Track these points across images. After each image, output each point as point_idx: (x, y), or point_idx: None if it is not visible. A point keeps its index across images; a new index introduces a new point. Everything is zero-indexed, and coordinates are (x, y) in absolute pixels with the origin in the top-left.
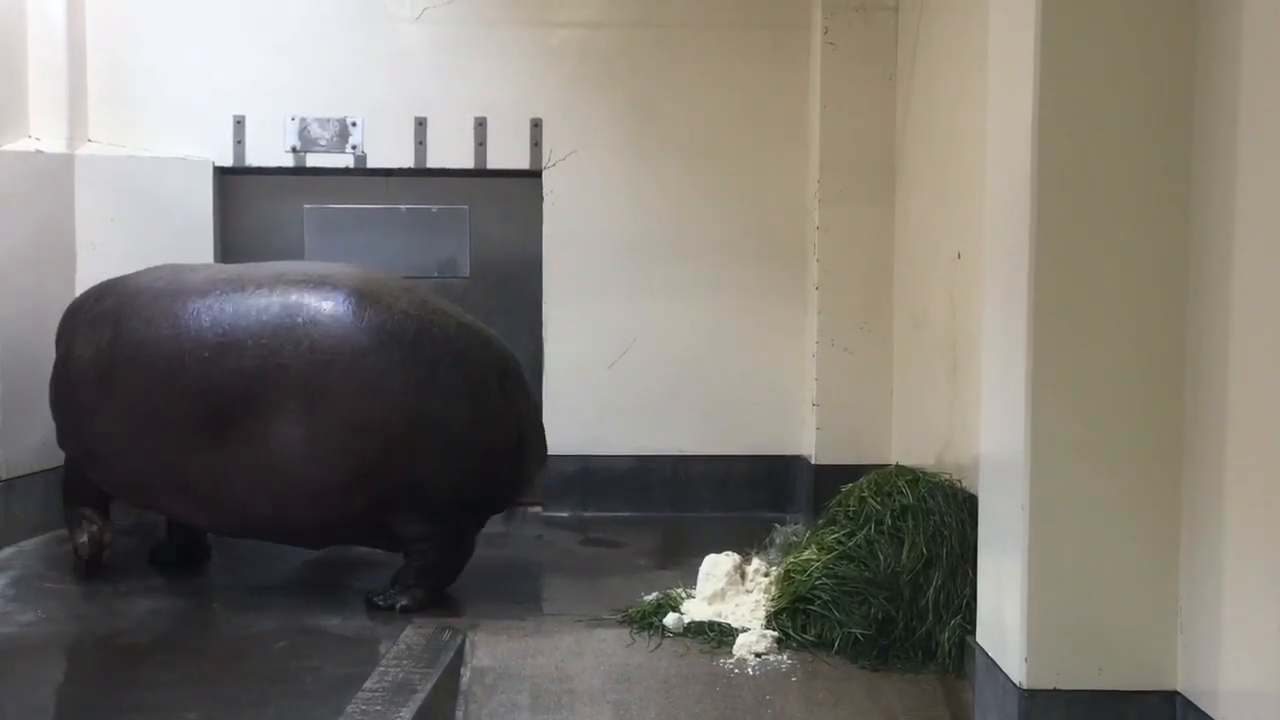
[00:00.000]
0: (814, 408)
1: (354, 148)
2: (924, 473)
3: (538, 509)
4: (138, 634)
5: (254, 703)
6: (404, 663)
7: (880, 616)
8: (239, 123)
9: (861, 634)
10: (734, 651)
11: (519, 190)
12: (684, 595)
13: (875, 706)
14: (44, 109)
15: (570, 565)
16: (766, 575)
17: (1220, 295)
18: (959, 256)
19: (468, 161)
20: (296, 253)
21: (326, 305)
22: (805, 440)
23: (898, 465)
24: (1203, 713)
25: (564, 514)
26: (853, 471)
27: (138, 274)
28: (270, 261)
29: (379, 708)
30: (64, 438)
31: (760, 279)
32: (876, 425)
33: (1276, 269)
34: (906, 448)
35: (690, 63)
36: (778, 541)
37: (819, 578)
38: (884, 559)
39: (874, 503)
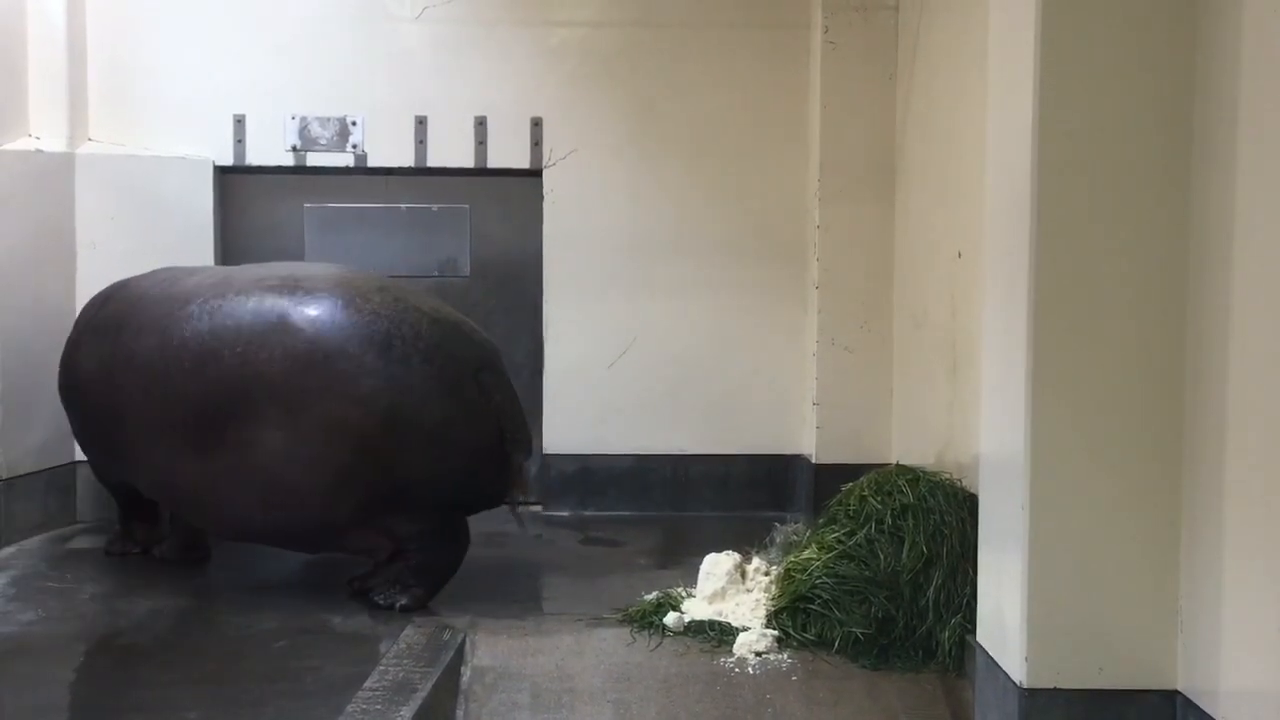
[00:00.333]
0: (814, 407)
1: (354, 147)
2: (924, 472)
3: (538, 508)
4: (138, 633)
5: (254, 703)
6: (404, 662)
7: (880, 615)
8: (239, 122)
9: (862, 633)
10: (734, 650)
11: (519, 189)
12: (684, 594)
13: (875, 705)
14: (44, 108)
15: (570, 564)
16: (767, 574)
17: (1220, 295)
18: (959, 256)
19: (468, 161)
20: (297, 252)
21: (298, 311)
22: (805, 439)
23: (898, 464)
24: (1203, 712)
25: (564, 513)
26: (853, 471)
27: (140, 278)
28: (258, 264)
29: (379, 707)
30: (79, 440)
31: (760, 279)
32: (877, 424)
33: (1276, 269)
34: (907, 447)
35: (690, 63)
36: (778, 541)
37: (819, 577)
38: (884, 558)
39: (874, 502)
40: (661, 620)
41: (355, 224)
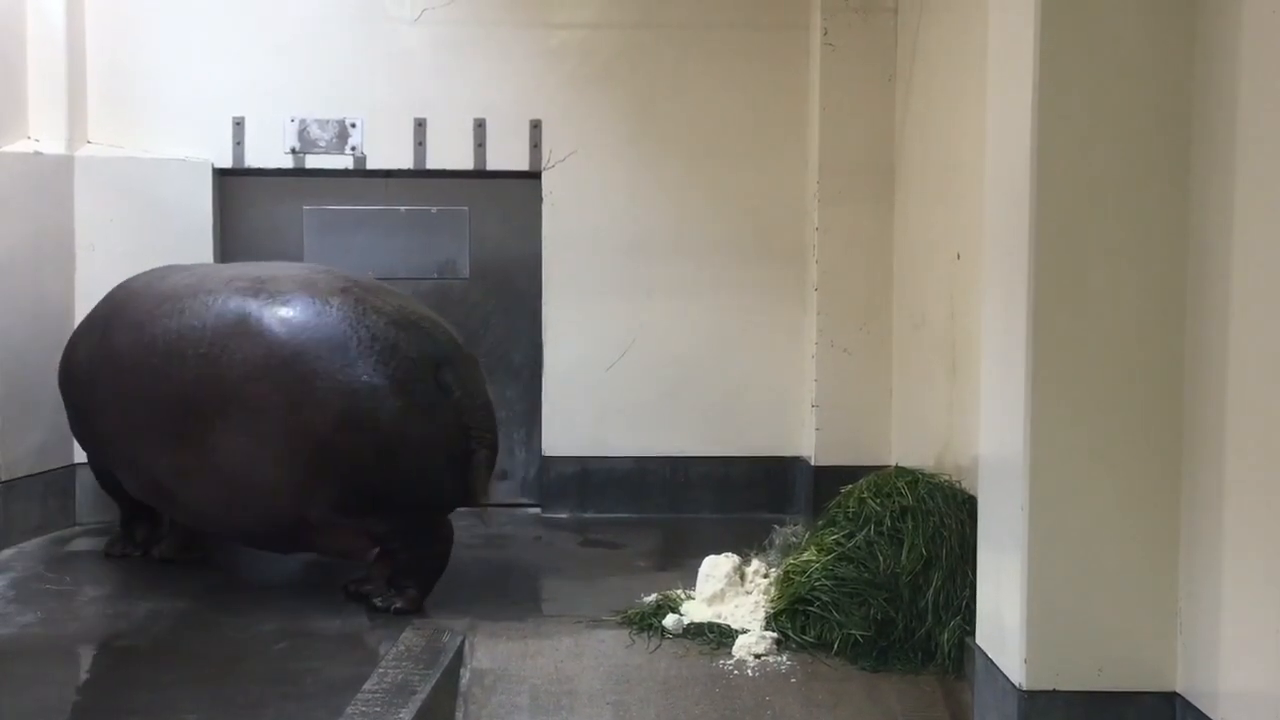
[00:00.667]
0: (813, 409)
1: (353, 149)
2: (923, 474)
3: (536, 510)
4: (137, 635)
5: (253, 704)
6: (403, 664)
7: (880, 618)
8: (238, 124)
9: (861, 635)
10: (733, 653)
11: (518, 191)
12: (683, 596)
13: (875, 708)
14: (43, 110)
15: (569, 567)
16: (766, 576)
17: (1220, 295)
18: (958, 257)
19: (467, 162)
20: (296, 254)
21: (259, 314)
22: (805, 441)
23: (897, 466)
24: (1202, 714)
25: (563, 515)
26: (852, 473)
27: (137, 276)
28: (243, 263)
29: (378, 709)
30: (74, 435)
31: (760, 280)
32: (876, 426)
33: (1276, 269)
34: (906, 449)
35: (690, 63)
36: (777, 543)
37: (818, 579)
38: (883, 560)
39: (873, 504)
40: (661, 622)
41: (354, 226)
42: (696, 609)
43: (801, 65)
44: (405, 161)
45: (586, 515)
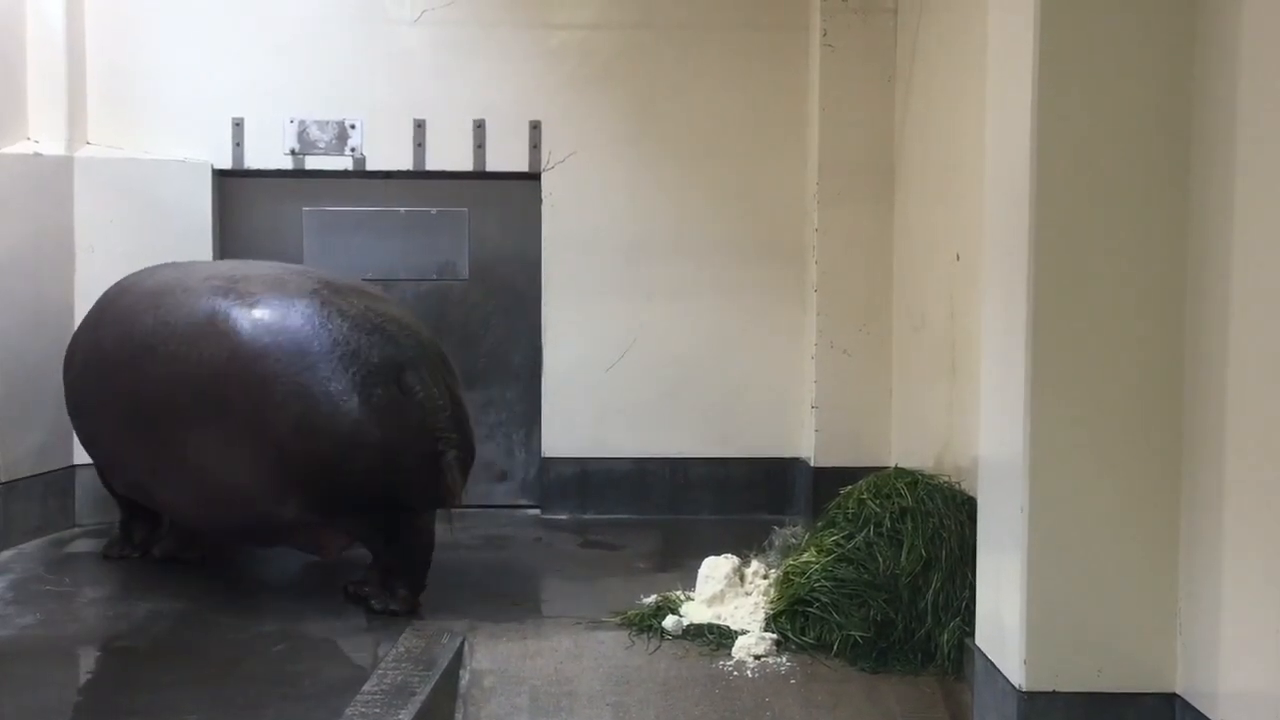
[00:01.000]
0: (813, 410)
1: (353, 150)
2: (923, 475)
3: (536, 511)
4: (137, 636)
5: (253, 705)
6: (403, 665)
7: (879, 619)
8: (238, 125)
9: (860, 636)
10: (733, 654)
11: (518, 192)
12: (683, 598)
13: (874, 709)
14: (43, 111)
15: (569, 568)
16: (765, 578)
17: (1219, 295)
18: (958, 258)
19: (467, 164)
20: (295, 255)
21: (225, 315)
22: (804, 442)
23: (897, 467)
24: (1202, 715)
25: (563, 516)
26: (852, 474)
27: (137, 272)
28: (226, 261)
29: (378, 710)
30: (75, 429)
31: (759, 280)
32: (875, 427)
33: (1276, 269)
34: (906, 450)
35: (690, 64)
36: (777, 544)
37: (818, 580)
38: (883, 561)
39: (873, 505)
40: (660, 623)
41: (354, 227)
42: (696, 610)
43: (801, 65)
44: (405, 162)
45: (586, 516)
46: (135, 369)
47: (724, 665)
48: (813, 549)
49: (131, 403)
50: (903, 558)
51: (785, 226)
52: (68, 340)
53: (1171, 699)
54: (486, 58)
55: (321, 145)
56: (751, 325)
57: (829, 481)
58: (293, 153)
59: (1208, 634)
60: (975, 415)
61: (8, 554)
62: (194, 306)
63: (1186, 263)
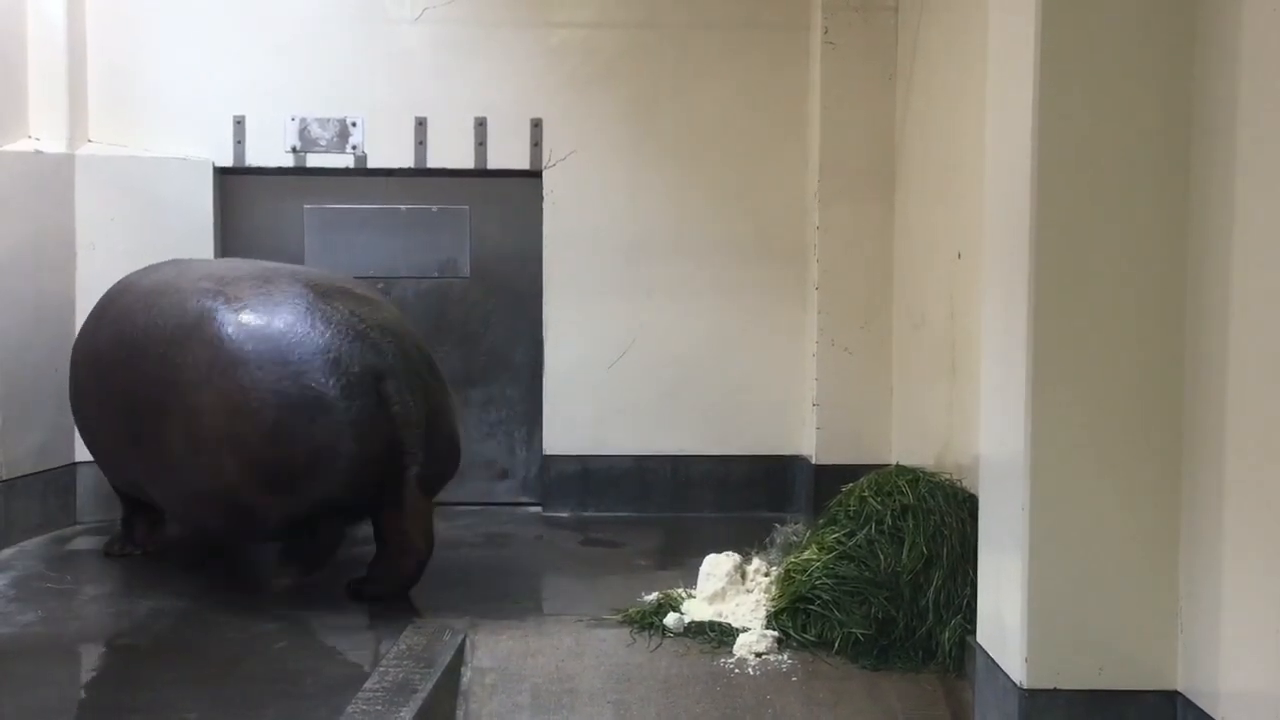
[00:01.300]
0: (814, 408)
1: (354, 148)
2: (924, 472)
3: (537, 509)
4: (138, 634)
5: (254, 704)
6: (404, 663)
7: (880, 616)
8: (239, 123)
9: (862, 634)
10: (734, 651)
11: (519, 190)
12: (684, 595)
13: (875, 706)
14: (44, 109)
15: (570, 565)
16: (767, 575)
17: (1220, 295)
18: (959, 256)
19: (468, 162)
20: (297, 252)
21: (210, 319)
22: (805, 440)
23: (898, 465)
24: (1203, 712)
25: (564, 514)
26: (853, 471)
27: (140, 270)
28: (220, 260)
29: (379, 708)
30: (77, 426)
31: (760, 279)
32: (876, 425)
33: (1276, 269)
34: (906, 447)
35: (690, 63)
36: (778, 541)
37: (819, 577)
38: (884, 559)
39: (874, 502)
40: (661, 621)
41: (355, 225)
42: (697, 608)
43: (802, 65)
44: (406, 160)
45: (587, 514)
46: (130, 368)
47: (725, 663)
48: (814, 546)
49: (126, 402)
50: (904, 555)
51: (786, 225)
52: (68, 338)
53: (1173, 696)
54: (487, 56)
55: (323, 143)
56: (753, 323)
57: (830, 479)
58: (294, 150)
59: (1209, 632)
60: (976, 413)
61: (9, 551)
62: (184, 308)
63: (1186, 263)
